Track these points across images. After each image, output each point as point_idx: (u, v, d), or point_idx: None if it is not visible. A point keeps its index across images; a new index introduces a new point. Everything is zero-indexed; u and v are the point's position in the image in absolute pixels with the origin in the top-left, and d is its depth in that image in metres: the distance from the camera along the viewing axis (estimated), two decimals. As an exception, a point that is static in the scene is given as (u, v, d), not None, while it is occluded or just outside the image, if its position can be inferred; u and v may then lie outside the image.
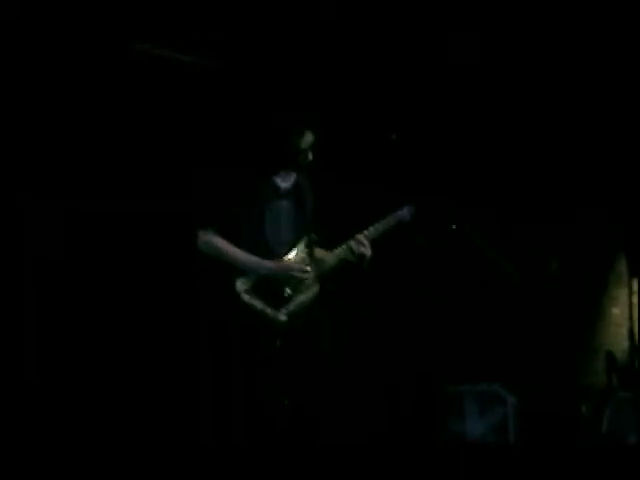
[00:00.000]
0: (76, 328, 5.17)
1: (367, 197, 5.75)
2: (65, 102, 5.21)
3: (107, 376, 5.21)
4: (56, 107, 5.19)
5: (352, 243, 4.43)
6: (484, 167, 6.57)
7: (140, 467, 4.95)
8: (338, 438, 4.42)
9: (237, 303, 4.27)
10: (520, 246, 6.19)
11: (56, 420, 5.01)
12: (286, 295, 4.31)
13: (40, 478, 4.77)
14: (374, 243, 4.46)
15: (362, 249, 4.42)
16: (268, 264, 4.30)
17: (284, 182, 4.49)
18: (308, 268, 4.34)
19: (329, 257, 4.46)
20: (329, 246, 4.51)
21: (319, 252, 4.49)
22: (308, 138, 4.41)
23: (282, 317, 4.28)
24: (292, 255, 4.38)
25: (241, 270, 4.29)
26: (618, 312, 6.80)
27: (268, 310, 4.27)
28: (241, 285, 4.28)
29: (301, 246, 4.41)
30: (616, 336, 6.76)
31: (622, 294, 6.79)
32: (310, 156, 4.43)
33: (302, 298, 4.35)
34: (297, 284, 4.33)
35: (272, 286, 4.30)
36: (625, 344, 6.67)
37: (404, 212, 4.57)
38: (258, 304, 4.27)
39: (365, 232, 4.47)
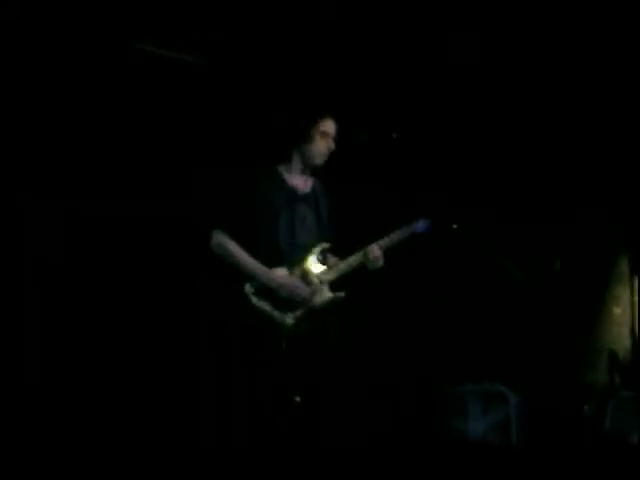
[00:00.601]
0: (76, 328, 5.17)
1: (373, 199, 5.76)
2: (65, 102, 5.22)
3: (107, 376, 5.19)
4: (56, 107, 5.19)
5: (366, 252, 4.46)
6: (484, 167, 6.56)
7: (141, 467, 4.93)
8: (340, 438, 4.41)
9: (245, 305, 4.31)
10: (521, 246, 6.17)
11: (56, 420, 5.00)
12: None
13: (40, 478, 4.75)
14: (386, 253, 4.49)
15: (375, 258, 4.45)
16: (274, 277, 4.33)
17: (302, 186, 4.54)
18: (310, 291, 4.36)
19: (341, 265, 4.50)
20: (342, 251, 4.55)
21: (331, 259, 4.57)
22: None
23: (289, 320, 4.31)
24: (306, 263, 4.43)
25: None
26: (620, 311, 6.78)
27: (275, 313, 4.31)
28: (249, 287, 4.33)
29: (315, 252, 4.46)
30: (618, 335, 6.73)
31: (624, 293, 6.76)
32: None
33: (312, 304, 4.38)
34: (295, 302, 4.35)
35: None
36: (627, 343, 6.65)
37: (419, 224, 4.59)
38: (266, 307, 4.31)
39: (380, 242, 4.50)
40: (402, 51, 6.02)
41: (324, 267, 4.48)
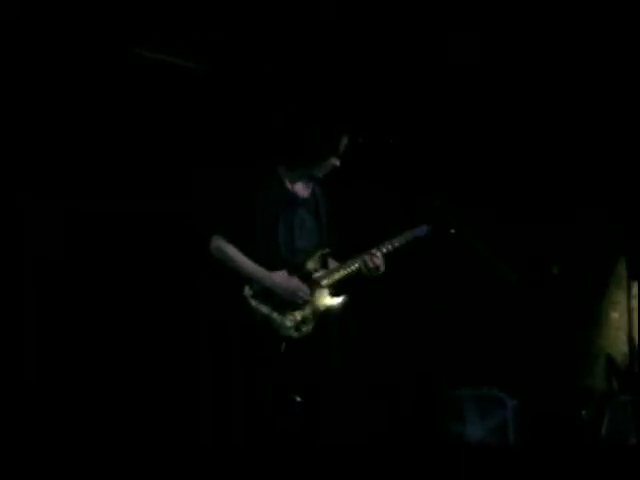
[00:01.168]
0: (76, 328, 5.17)
1: (370, 202, 5.76)
2: (65, 102, 5.20)
3: (107, 377, 5.20)
4: (56, 108, 5.18)
5: (366, 257, 4.46)
6: (484, 167, 6.56)
7: (141, 467, 4.95)
8: (339, 440, 4.42)
9: (244, 308, 4.30)
10: (520, 247, 6.17)
11: (56, 420, 5.01)
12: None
13: (40, 478, 4.77)
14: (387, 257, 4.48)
15: (375, 263, 4.44)
16: (275, 280, 4.32)
17: (302, 191, 4.53)
18: (310, 294, 4.36)
19: (341, 269, 4.49)
20: (341, 255, 4.54)
21: (332, 263, 4.55)
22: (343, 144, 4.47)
23: (288, 323, 4.30)
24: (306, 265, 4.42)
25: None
26: (618, 316, 6.80)
27: (274, 315, 4.30)
28: (249, 290, 4.31)
29: (315, 256, 4.45)
30: (616, 340, 6.75)
31: (622, 298, 6.77)
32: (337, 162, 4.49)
33: (312, 307, 4.38)
34: (295, 304, 4.35)
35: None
36: (625, 348, 6.66)
37: (422, 230, 4.59)
38: (265, 309, 4.30)
39: (381, 246, 4.50)
40: (402, 51, 6.01)
41: (324, 271, 4.47)
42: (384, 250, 4.50)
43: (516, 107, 6.48)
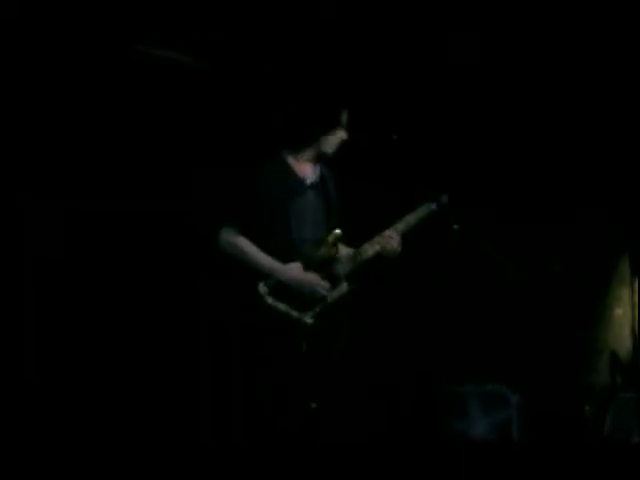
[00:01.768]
0: (76, 328, 5.15)
1: (372, 200, 5.75)
2: (65, 102, 5.20)
3: (108, 377, 5.19)
4: (56, 107, 5.18)
5: (383, 239, 4.30)
6: (485, 167, 6.56)
7: (141, 467, 4.93)
8: (340, 438, 4.38)
9: (261, 306, 4.13)
10: (521, 246, 6.18)
11: (56, 420, 4.99)
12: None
13: (40, 478, 4.75)
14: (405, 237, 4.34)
15: (393, 245, 4.30)
16: (292, 273, 4.16)
17: (311, 174, 4.38)
18: (329, 286, 4.21)
19: (358, 255, 4.33)
20: (354, 241, 4.41)
21: (344, 249, 4.38)
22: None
23: (308, 319, 4.15)
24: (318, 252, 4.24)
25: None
26: (621, 312, 6.80)
27: (293, 312, 4.14)
28: (263, 287, 4.13)
29: (328, 244, 4.24)
30: (619, 336, 6.76)
31: (625, 294, 6.79)
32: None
33: (331, 299, 4.23)
34: (314, 299, 4.20)
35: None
36: (628, 344, 6.68)
37: (435, 204, 4.39)
38: (282, 307, 4.13)
39: (396, 226, 4.35)
40: (402, 51, 6.02)
41: (339, 259, 4.30)
42: (399, 229, 4.33)
43: (516, 107, 6.49)
